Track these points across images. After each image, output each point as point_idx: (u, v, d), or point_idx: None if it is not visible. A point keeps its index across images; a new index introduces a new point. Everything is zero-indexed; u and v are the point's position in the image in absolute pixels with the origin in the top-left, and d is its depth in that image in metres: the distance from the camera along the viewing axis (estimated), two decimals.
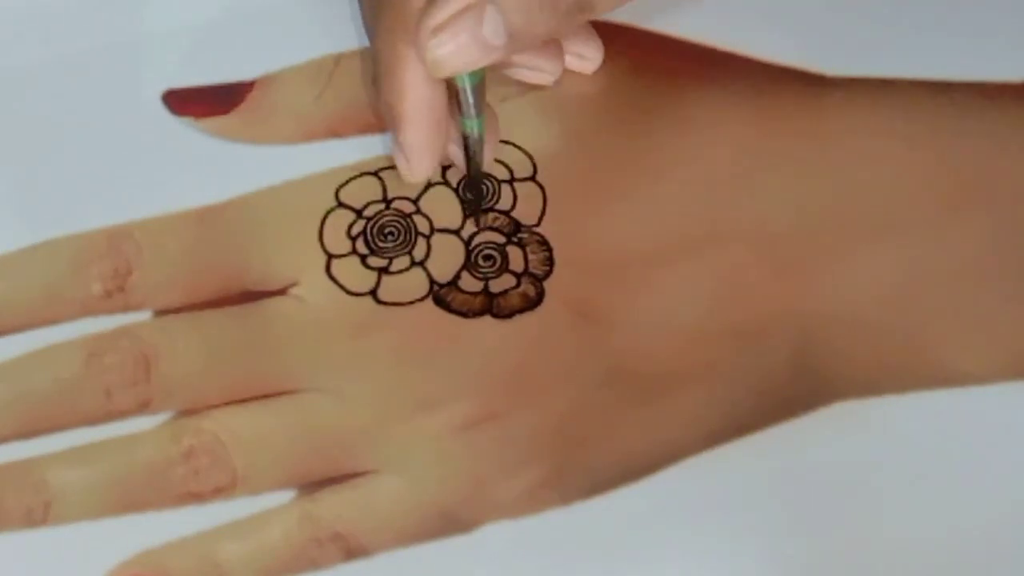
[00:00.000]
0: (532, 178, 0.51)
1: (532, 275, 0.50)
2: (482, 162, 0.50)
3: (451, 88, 0.48)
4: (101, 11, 0.54)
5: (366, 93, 0.52)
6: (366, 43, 0.53)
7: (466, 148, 0.50)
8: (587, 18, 0.48)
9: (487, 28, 0.46)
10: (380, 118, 0.51)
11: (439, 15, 0.46)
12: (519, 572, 0.48)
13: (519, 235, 0.51)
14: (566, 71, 0.53)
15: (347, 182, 0.51)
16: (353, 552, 0.48)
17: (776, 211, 0.51)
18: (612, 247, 0.50)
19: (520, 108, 0.52)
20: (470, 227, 0.51)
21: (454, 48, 0.46)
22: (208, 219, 0.51)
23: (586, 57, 0.53)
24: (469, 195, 0.51)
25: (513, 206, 0.51)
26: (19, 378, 0.49)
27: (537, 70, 0.51)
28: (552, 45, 0.52)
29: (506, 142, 0.52)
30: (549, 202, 0.51)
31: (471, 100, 0.48)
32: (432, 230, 0.51)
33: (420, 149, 0.49)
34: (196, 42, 0.54)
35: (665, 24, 0.54)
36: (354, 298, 0.50)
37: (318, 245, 0.50)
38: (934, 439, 0.49)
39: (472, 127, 0.49)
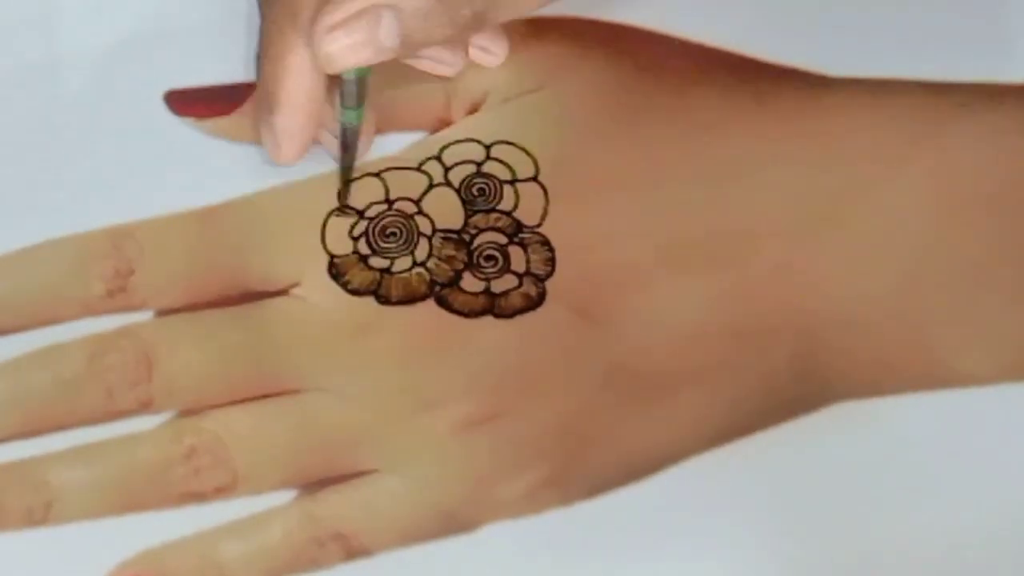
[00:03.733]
0: (534, 178, 0.51)
1: (534, 275, 0.50)
2: (356, 154, 0.50)
3: (333, 77, 0.48)
4: (102, 11, 0.54)
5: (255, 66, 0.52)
6: None
7: (343, 138, 0.50)
8: (483, 29, 0.48)
9: (383, 31, 0.46)
10: (258, 96, 0.51)
11: (337, 15, 0.46)
12: (520, 572, 0.48)
13: (521, 235, 0.51)
14: (566, 72, 0.53)
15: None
16: (354, 552, 0.48)
17: (777, 211, 0.51)
18: (614, 248, 0.50)
19: (522, 109, 0.52)
20: (472, 228, 0.51)
21: (348, 45, 0.46)
22: (210, 219, 0.51)
23: (491, 51, 0.52)
24: (340, 185, 0.51)
25: (515, 206, 0.51)
26: (20, 378, 0.49)
27: (437, 61, 0.51)
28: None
29: (508, 142, 0.52)
30: (551, 203, 0.51)
31: (354, 91, 0.48)
32: (434, 231, 0.51)
33: (291, 134, 0.48)
34: (197, 42, 0.54)
35: (666, 24, 0.54)
36: (356, 298, 0.50)
37: (320, 245, 0.50)
38: (934, 439, 0.49)
39: (351, 118, 0.49)
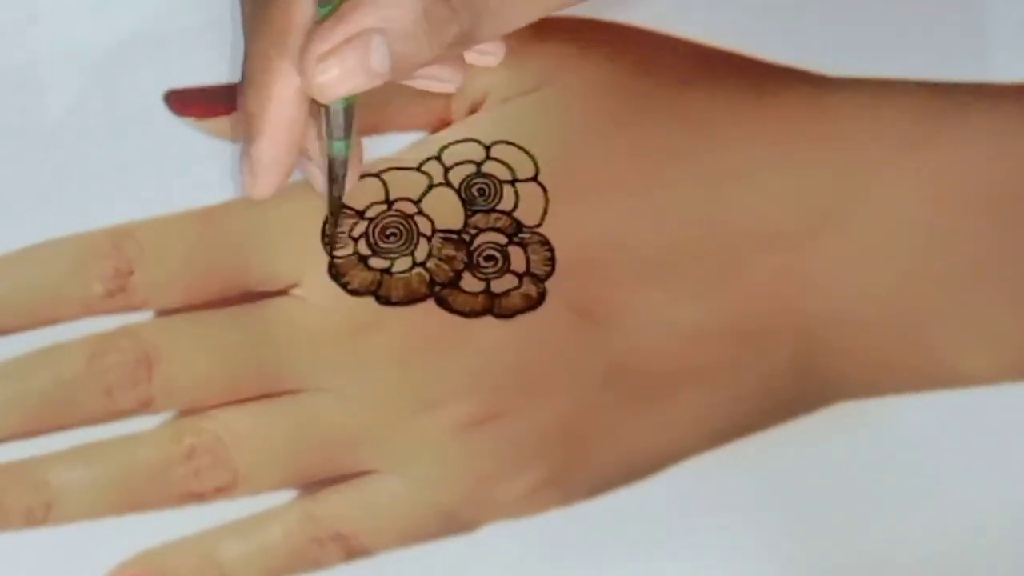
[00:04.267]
0: (534, 179, 0.51)
1: (534, 275, 0.50)
2: (344, 186, 0.49)
3: (315, 109, 0.47)
4: (102, 11, 0.54)
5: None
6: None
7: (331, 171, 0.49)
8: (470, 46, 0.48)
9: (374, 57, 0.45)
10: (233, 123, 0.51)
11: (326, 43, 0.45)
12: (520, 572, 0.48)
13: (521, 235, 0.51)
14: (565, 71, 0.53)
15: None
16: (354, 552, 0.48)
17: (777, 211, 0.51)
18: (614, 247, 0.50)
19: (522, 109, 0.52)
20: (472, 228, 0.51)
21: (340, 74, 0.45)
22: (210, 219, 0.51)
23: (488, 52, 0.52)
24: (327, 222, 0.50)
25: (515, 206, 0.51)
26: (20, 378, 0.49)
27: (435, 79, 0.50)
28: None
29: (508, 142, 0.52)
30: (551, 203, 0.51)
31: (340, 122, 0.47)
32: (434, 231, 0.51)
33: (270, 165, 0.48)
34: (197, 42, 0.54)
35: (667, 24, 0.54)
36: (356, 299, 0.50)
37: (320, 246, 0.50)
38: (934, 439, 0.49)
39: (339, 149, 0.48)
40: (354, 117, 0.47)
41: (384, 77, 0.45)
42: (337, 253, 0.50)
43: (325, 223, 0.51)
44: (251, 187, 0.48)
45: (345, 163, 0.49)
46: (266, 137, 0.47)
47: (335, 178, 0.49)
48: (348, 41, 0.45)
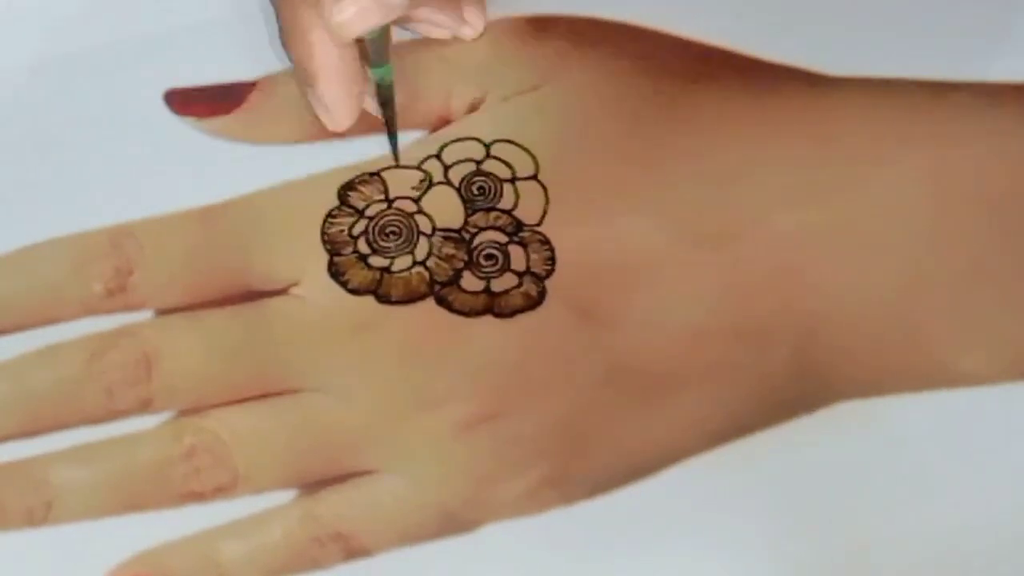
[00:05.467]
0: (534, 177, 0.51)
1: (534, 275, 0.50)
2: (395, 107, 0.51)
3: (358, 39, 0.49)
4: (102, 11, 0.54)
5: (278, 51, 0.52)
6: None
7: (379, 96, 0.50)
8: None
9: None
10: (296, 73, 0.51)
11: None
12: (521, 572, 0.48)
13: (521, 234, 0.51)
14: (566, 70, 0.53)
15: (349, 182, 0.52)
16: (354, 552, 0.48)
17: (777, 211, 0.51)
18: (614, 247, 0.50)
19: (522, 107, 0.52)
20: (472, 227, 0.51)
21: (356, 11, 0.46)
22: (210, 219, 0.51)
23: (466, 23, 0.53)
24: (327, 221, 0.51)
25: (515, 205, 0.51)
26: (20, 377, 0.49)
27: (433, 24, 0.52)
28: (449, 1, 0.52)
29: (508, 141, 0.52)
30: (551, 201, 0.51)
31: (376, 49, 0.49)
32: (434, 230, 0.51)
33: (338, 100, 0.49)
34: (197, 42, 0.54)
35: (666, 24, 0.54)
36: (356, 297, 0.50)
37: (320, 245, 0.50)
38: (934, 439, 0.49)
39: (381, 75, 0.50)
40: (390, 42, 0.49)
41: (401, 9, 0.47)
42: (336, 252, 0.50)
43: (325, 222, 0.51)
44: (330, 123, 0.50)
45: (391, 87, 0.50)
46: (321, 80, 0.49)
47: (384, 101, 0.50)
48: None
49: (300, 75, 0.49)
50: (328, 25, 0.47)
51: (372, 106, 0.51)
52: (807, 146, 0.52)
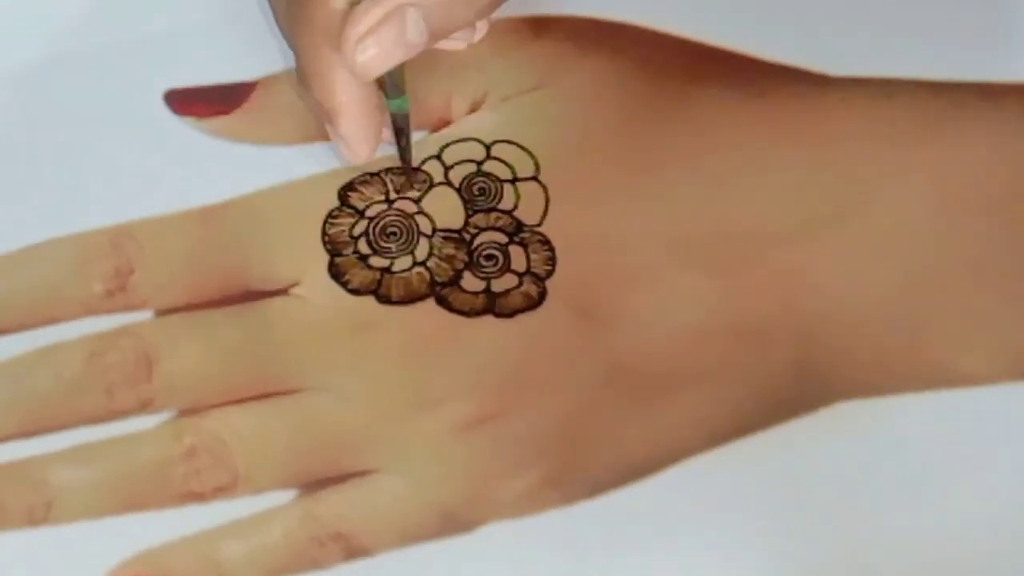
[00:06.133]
0: (534, 178, 0.51)
1: (534, 275, 0.50)
2: (410, 138, 0.51)
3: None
4: (102, 11, 0.54)
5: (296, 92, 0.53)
6: None
7: (395, 126, 0.50)
8: (500, 5, 0.49)
9: (410, 30, 0.46)
10: (310, 110, 0.52)
11: (362, 25, 0.46)
12: (520, 572, 0.48)
13: (521, 235, 0.51)
14: (565, 70, 0.53)
15: (349, 182, 0.52)
16: (354, 552, 0.48)
17: (777, 211, 0.51)
18: (614, 247, 0.50)
19: (522, 107, 0.52)
20: (472, 227, 0.51)
21: (379, 52, 0.47)
22: (210, 219, 0.51)
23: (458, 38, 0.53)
24: (400, 174, 0.52)
25: (515, 205, 0.51)
26: (21, 377, 0.49)
27: (451, 41, 0.52)
28: None
29: (509, 141, 0.52)
30: (551, 202, 0.51)
31: (394, 82, 0.49)
32: (434, 230, 0.51)
33: (359, 135, 0.49)
34: (197, 42, 0.54)
35: (666, 24, 0.54)
36: (356, 298, 0.50)
37: (320, 245, 0.50)
38: (934, 439, 0.49)
39: (398, 106, 0.50)
40: (404, 74, 0.49)
41: (422, 46, 0.47)
42: (337, 252, 0.50)
43: (325, 222, 0.51)
44: (350, 158, 0.50)
45: (407, 117, 0.50)
46: (343, 117, 0.48)
47: (400, 132, 0.50)
48: (385, 19, 0.46)
49: (320, 113, 0.49)
50: (352, 66, 0.47)
51: (387, 135, 0.51)
52: (807, 146, 0.52)
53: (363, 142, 0.49)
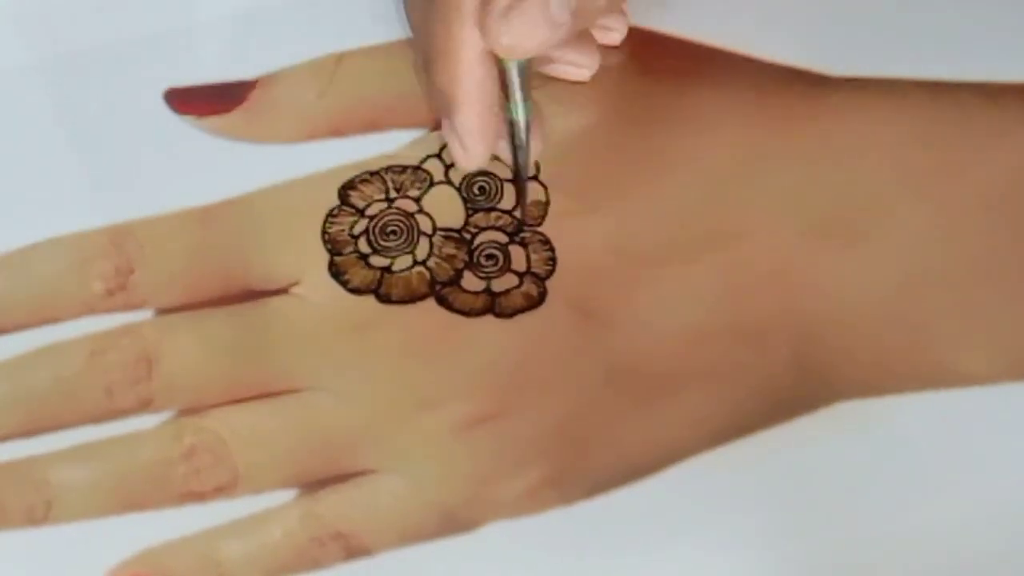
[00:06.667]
0: (535, 178, 0.51)
1: (534, 275, 0.50)
2: (530, 152, 0.50)
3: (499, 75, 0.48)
4: (101, 11, 0.54)
5: (416, 80, 0.52)
6: (367, 42, 0.53)
7: (515, 136, 0.49)
8: None
9: (554, 5, 0.45)
10: (431, 105, 0.51)
11: None
12: (520, 572, 0.48)
13: (521, 234, 0.51)
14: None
15: (350, 181, 0.52)
16: (355, 551, 0.48)
17: (777, 211, 0.51)
18: (614, 247, 0.50)
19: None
20: (473, 227, 0.51)
21: (525, 29, 0.45)
22: (210, 218, 0.51)
23: (612, 28, 0.52)
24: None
25: (516, 205, 0.51)
26: (20, 376, 0.49)
27: (575, 65, 0.51)
28: (587, 39, 0.51)
29: None
30: (552, 202, 0.51)
31: (521, 79, 0.48)
32: (435, 229, 0.51)
33: (475, 132, 0.48)
34: (197, 42, 0.54)
35: (667, 24, 0.54)
36: (356, 297, 0.50)
37: (320, 244, 0.50)
38: (934, 439, 0.49)
39: (520, 113, 0.49)
40: (531, 76, 0.48)
41: (565, 26, 0.46)
42: (337, 251, 0.50)
43: (325, 221, 0.51)
44: (464, 159, 0.49)
45: (528, 128, 0.49)
46: (466, 106, 0.48)
47: (519, 144, 0.49)
48: None
49: (440, 101, 0.48)
50: (492, 42, 0.46)
51: (502, 149, 0.50)
52: (807, 146, 0.52)
53: (481, 139, 0.48)
